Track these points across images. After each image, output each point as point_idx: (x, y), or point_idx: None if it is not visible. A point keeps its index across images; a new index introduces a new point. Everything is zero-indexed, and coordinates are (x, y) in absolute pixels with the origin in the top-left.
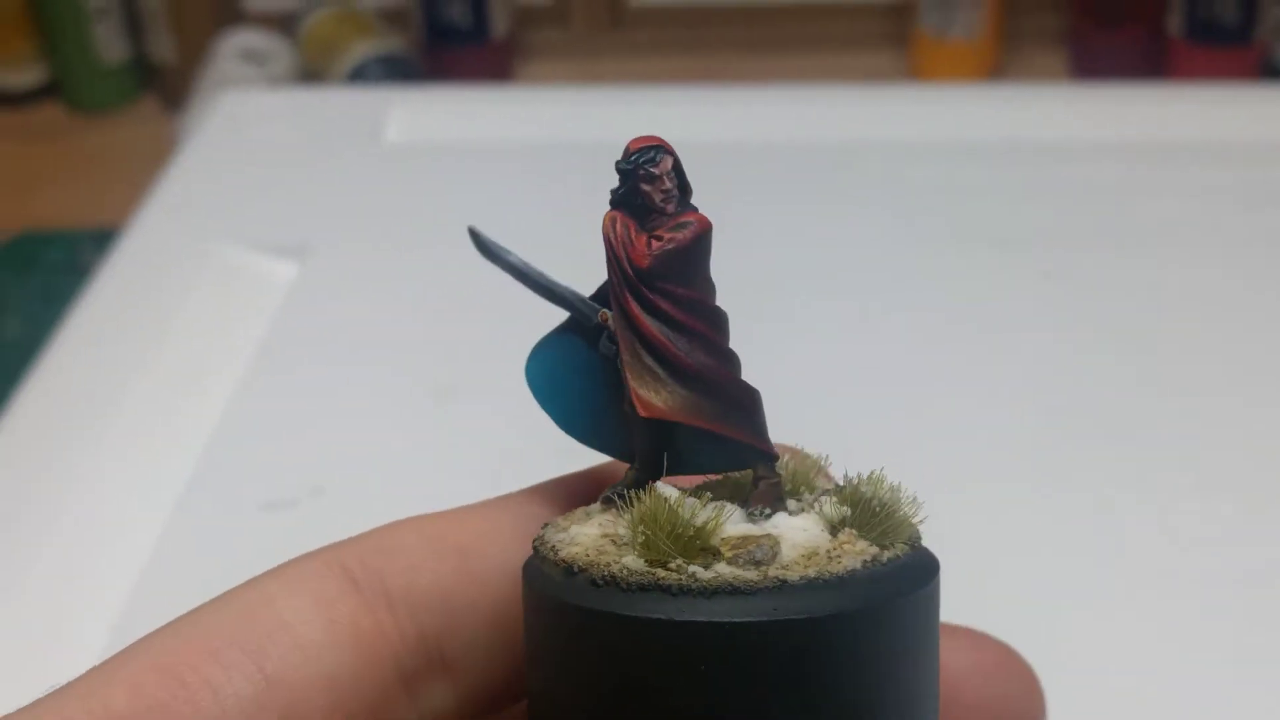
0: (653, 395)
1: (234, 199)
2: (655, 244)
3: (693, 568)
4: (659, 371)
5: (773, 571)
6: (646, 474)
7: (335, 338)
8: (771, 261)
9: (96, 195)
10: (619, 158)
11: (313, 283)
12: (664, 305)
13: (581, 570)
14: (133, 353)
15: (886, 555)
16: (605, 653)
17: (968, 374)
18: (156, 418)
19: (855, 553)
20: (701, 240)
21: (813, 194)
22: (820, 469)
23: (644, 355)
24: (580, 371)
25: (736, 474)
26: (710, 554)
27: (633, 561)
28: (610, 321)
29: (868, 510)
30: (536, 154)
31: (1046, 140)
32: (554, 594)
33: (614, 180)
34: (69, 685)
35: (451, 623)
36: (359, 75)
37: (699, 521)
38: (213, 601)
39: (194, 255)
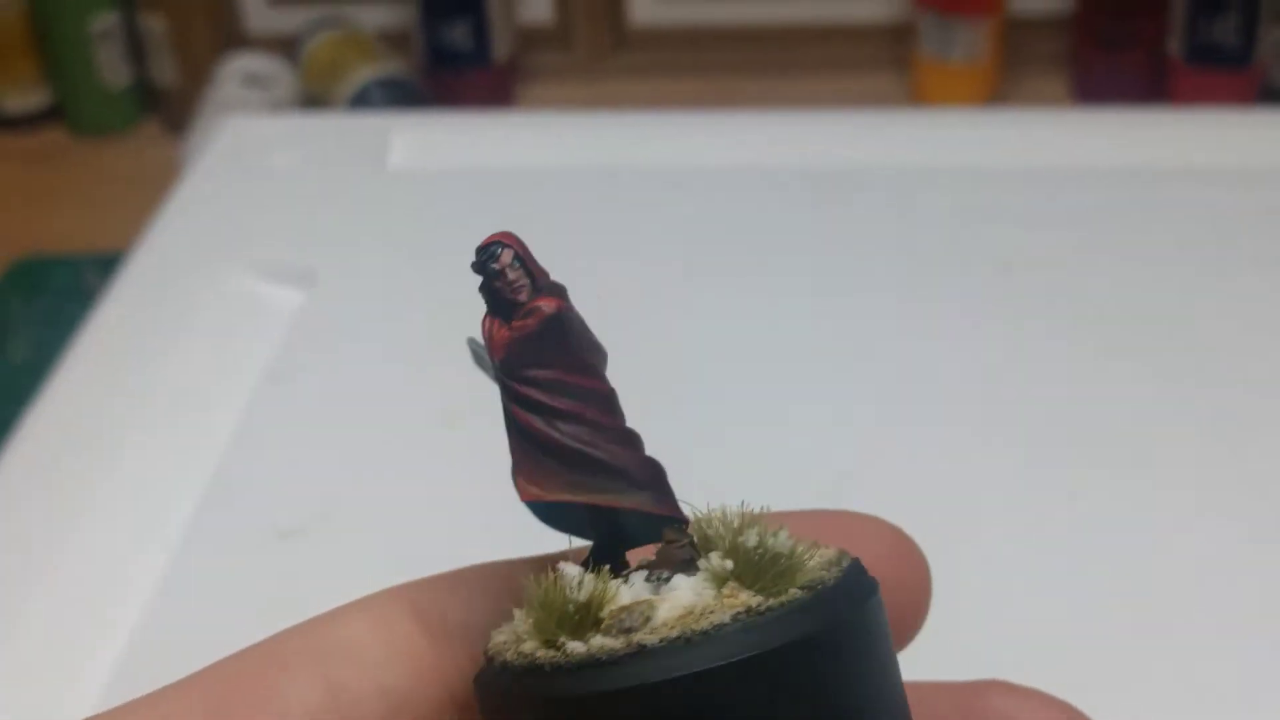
0: (527, 480)
1: (238, 226)
2: (504, 335)
3: (572, 644)
4: (538, 455)
5: (637, 637)
6: (597, 557)
7: (342, 365)
8: (772, 286)
9: (100, 219)
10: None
11: (318, 310)
12: (530, 392)
13: (492, 657)
14: (138, 381)
15: (769, 604)
16: None
17: (970, 397)
18: (162, 446)
19: (730, 605)
20: (549, 324)
21: (814, 218)
22: (745, 521)
23: (521, 441)
24: None
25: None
26: (593, 627)
27: (528, 645)
28: None
29: (749, 560)
30: (540, 179)
31: (1048, 165)
32: (476, 681)
33: (613, 205)
34: (139, 698)
35: None
36: (361, 99)
37: (582, 597)
38: (283, 630)
39: (199, 283)
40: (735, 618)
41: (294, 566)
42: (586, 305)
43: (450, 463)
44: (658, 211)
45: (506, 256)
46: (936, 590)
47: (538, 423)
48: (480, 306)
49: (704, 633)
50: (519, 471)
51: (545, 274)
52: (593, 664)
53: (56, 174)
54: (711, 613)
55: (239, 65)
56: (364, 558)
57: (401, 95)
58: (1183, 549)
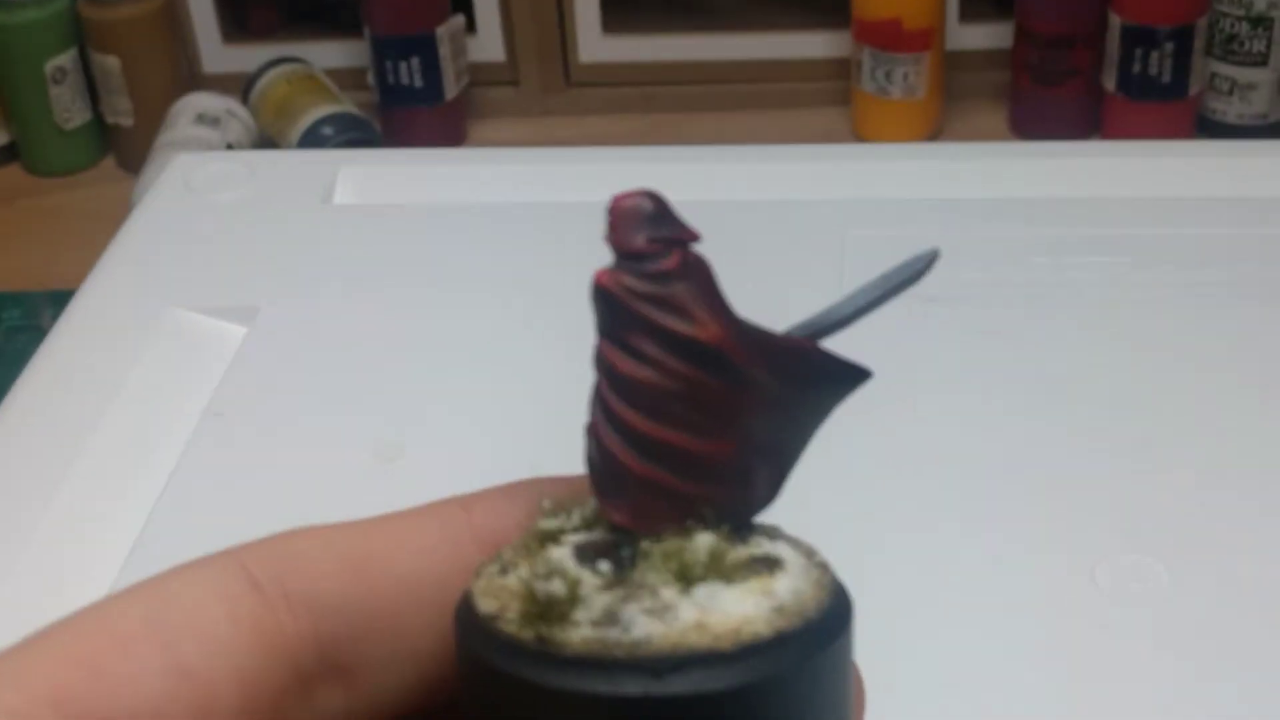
0: None
1: (183, 263)
2: None
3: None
4: None
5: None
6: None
7: (283, 401)
8: None
9: (55, 257)
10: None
11: (261, 346)
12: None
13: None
14: (80, 417)
15: (507, 628)
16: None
17: (905, 433)
18: (104, 482)
19: (487, 605)
20: (594, 294)
21: (755, 252)
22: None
23: None
24: None
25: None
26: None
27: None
28: None
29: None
30: (484, 216)
31: (985, 198)
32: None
33: (560, 241)
34: None
35: (349, 630)
36: (313, 136)
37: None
38: (116, 596)
39: (142, 319)
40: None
41: None
42: (533, 342)
43: (391, 499)
44: (604, 248)
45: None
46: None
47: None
48: (419, 350)
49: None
50: None
51: (630, 248)
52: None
53: (12, 212)
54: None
55: (193, 104)
56: None
57: (353, 133)
58: (1112, 583)
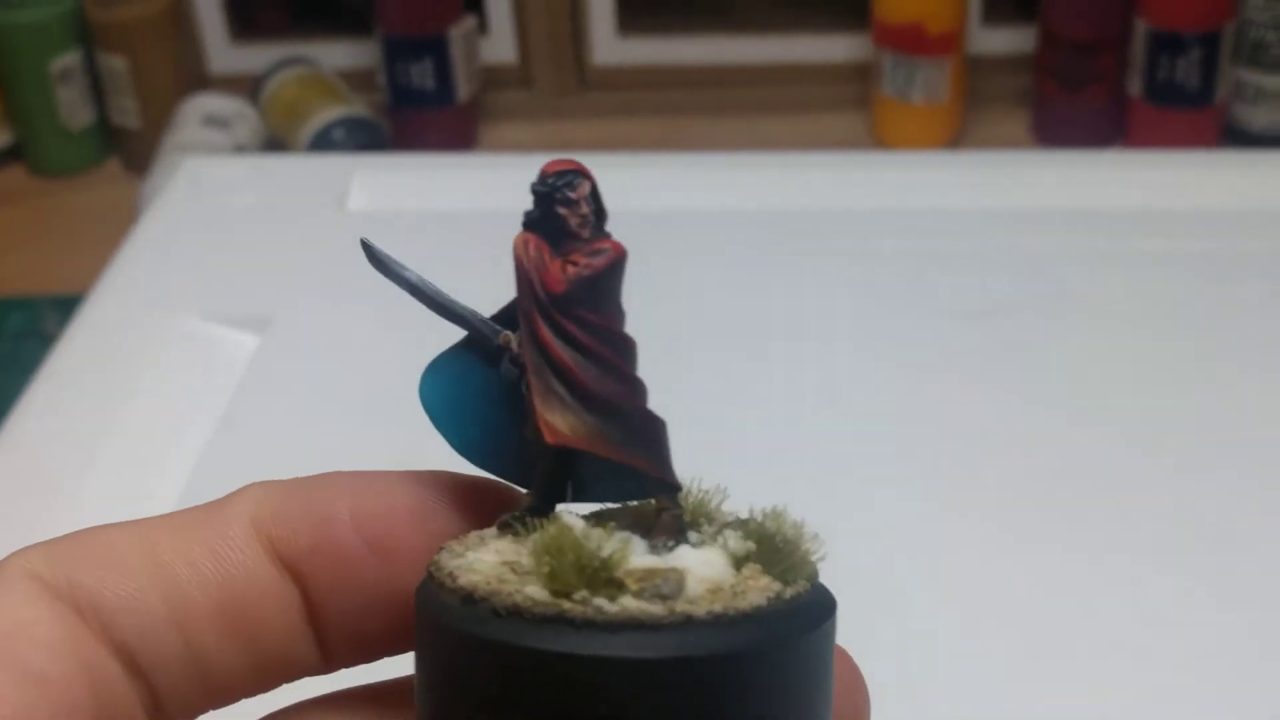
0: (559, 421)
1: (194, 269)
2: (570, 269)
3: (598, 600)
4: (566, 398)
5: (679, 606)
6: (547, 501)
7: (296, 411)
8: (732, 328)
9: (60, 260)
10: (535, 180)
11: (273, 354)
12: (574, 331)
13: (482, 599)
14: (92, 426)
15: (789, 592)
16: (504, 685)
17: (930, 445)
18: (117, 491)
19: (759, 588)
20: (616, 267)
21: (775, 261)
22: (721, 500)
23: (552, 380)
24: (478, 393)
25: (635, 503)
26: (615, 586)
27: (536, 592)
28: (513, 344)
29: (771, 546)
30: (499, 221)
31: (1008, 208)
32: (451, 623)
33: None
34: None
35: (142, 634)
36: (323, 139)
37: (605, 553)
38: None
39: (153, 327)
40: (769, 601)
41: None
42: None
43: None
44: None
45: (585, 189)
46: (883, 647)
47: (572, 360)
48: (431, 348)
49: (744, 613)
50: (541, 406)
51: (607, 214)
52: (635, 626)
53: (16, 214)
54: (744, 593)
55: (200, 105)
56: None
57: (364, 135)
58: (1130, 595)
